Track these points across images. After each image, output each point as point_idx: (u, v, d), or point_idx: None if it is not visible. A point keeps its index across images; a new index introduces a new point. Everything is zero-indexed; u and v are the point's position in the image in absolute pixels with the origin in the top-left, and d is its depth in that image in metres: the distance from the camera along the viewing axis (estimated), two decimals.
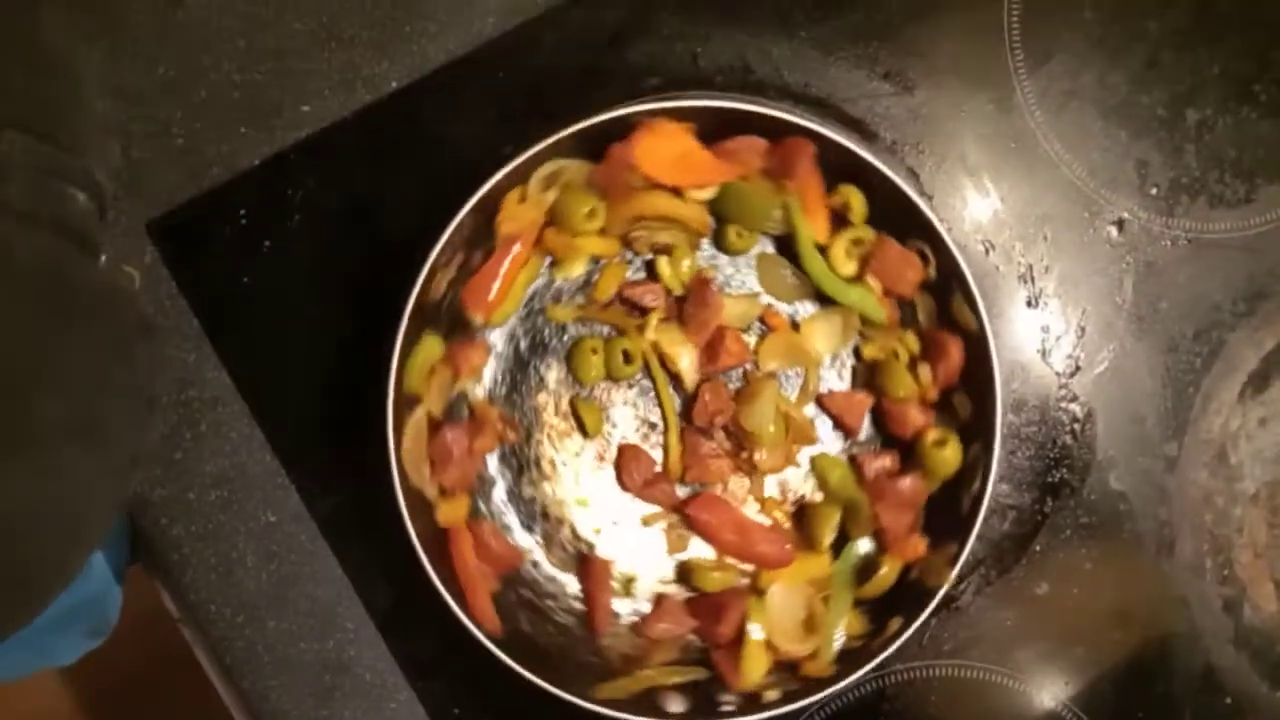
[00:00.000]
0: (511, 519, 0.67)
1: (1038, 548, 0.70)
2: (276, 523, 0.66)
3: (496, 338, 0.67)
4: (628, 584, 0.68)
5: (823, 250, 0.66)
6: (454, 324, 0.64)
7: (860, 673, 0.62)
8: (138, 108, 0.65)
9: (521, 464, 0.67)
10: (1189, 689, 0.71)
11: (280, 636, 0.66)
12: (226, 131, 0.65)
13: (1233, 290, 0.71)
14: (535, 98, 0.67)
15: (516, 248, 0.64)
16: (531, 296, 0.67)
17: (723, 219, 0.67)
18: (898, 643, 0.62)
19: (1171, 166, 0.71)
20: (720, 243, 0.68)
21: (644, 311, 0.67)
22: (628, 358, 0.67)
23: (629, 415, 0.68)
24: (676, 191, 0.65)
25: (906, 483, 0.65)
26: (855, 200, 0.65)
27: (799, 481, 0.69)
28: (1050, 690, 0.70)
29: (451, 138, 0.67)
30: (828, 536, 0.67)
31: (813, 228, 0.65)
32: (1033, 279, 0.71)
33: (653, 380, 0.68)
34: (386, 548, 0.65)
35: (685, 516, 0.67)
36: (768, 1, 0.69)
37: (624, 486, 0.68)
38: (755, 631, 0.65)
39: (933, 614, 0.64)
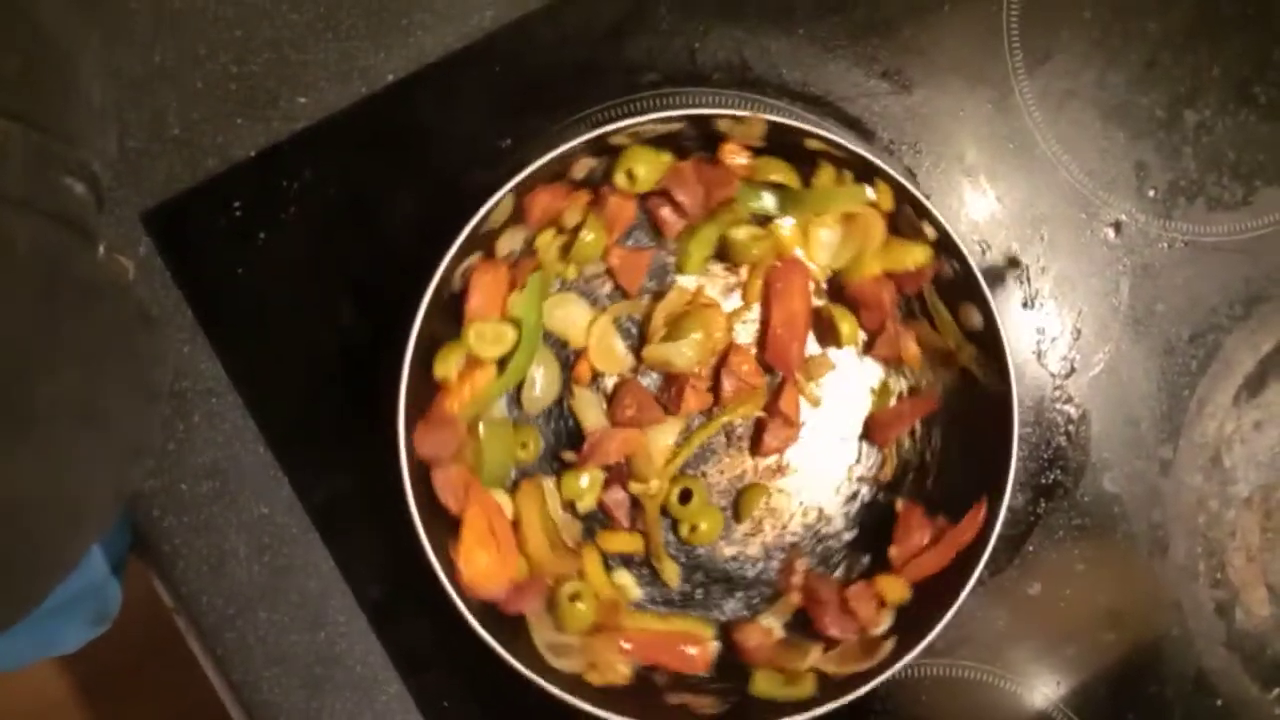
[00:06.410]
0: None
1: (1030, 548, 0.70)
2: (269, 515, 0.66)
3: None
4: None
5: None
6: None
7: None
8: (133, 97, 0.64)
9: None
10: (1180, 691, 0.71)
11: (271, 628, 0.66)
12: (222, 122, 0.65)
13: (1229, 293, 0.71)
14: (532, 92, 0.67)
15: None
16: None
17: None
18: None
19: (1170, 168, 0.71)
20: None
21: None
22: None
23: None
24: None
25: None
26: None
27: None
28: (1042, 691, 0.70)
29: (447, 131, 0.67)
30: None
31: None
32: (1029, 280, 0.70)
33: None
34: (378, 541, 0.65)
35: None
36: None
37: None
38: None
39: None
